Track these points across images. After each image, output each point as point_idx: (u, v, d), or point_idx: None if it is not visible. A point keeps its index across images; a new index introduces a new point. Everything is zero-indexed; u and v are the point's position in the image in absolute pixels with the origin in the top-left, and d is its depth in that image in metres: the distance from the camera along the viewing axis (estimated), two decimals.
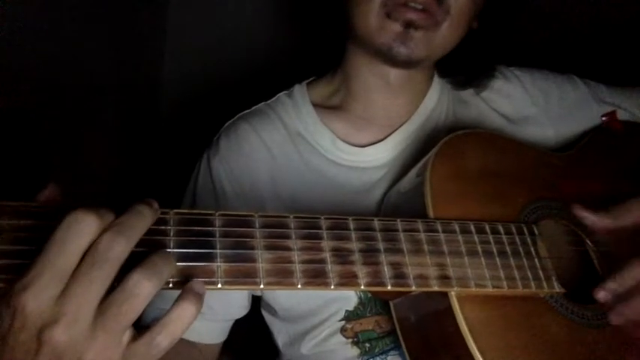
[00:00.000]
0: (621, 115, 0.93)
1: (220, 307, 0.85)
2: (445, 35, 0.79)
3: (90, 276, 0.42)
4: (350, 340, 0.81)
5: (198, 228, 0.51)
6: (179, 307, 0.46)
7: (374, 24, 0.78)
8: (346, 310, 0.81)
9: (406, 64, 0.80)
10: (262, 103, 0.94)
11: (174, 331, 0.46)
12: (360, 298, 0.81)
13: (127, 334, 0.45)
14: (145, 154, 1.35)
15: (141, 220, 0.45)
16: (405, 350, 0.71)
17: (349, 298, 0.81)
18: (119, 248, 0.43)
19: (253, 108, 0.94)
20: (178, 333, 0.46)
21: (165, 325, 0.46)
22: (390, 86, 0.87)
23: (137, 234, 0.45)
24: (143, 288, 0.43)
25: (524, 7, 0.94)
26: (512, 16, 0.90)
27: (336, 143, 0.87)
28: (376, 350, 0.80)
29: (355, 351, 0.81)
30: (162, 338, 0.45)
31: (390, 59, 0.80)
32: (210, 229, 0.51)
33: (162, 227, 0.49)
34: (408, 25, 0.76)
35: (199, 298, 0.47)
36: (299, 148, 0.88)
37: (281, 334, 0.89)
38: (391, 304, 0.72)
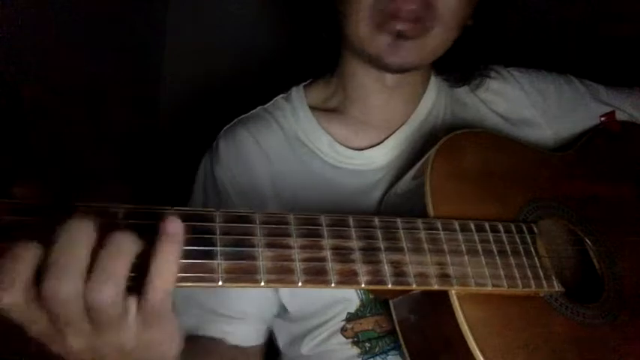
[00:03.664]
0: (619, 116, 0.93)
1: (255, 310, 0.84)
2: (436, 40, 0.79)
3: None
4: (350, 340, 0.81)
5: (199, 224, 0.51)
6: (158, 258, 0.45)
7: (365, 34, 0.78)
8: (348, 312, 0.81)
9: (399, 71, 0.81)
10: (260, 107, 0.94)
11: (162, 285, 0.46)
12: (361, 300, 0.81)
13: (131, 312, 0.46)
14: (145, 155, 1.35)
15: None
16: (404, 349, 0.71)
17: (351, 300, 0.81)
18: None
19: (251, 112, 0.93)
20: (169, 283, 0.46)
21: (152, 282, 0.45)
22: (387, 89, 0.87)
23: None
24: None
25: (518, 3, 0.94)
26: (506, 12, 0.90)
27: (334, 146, 0.87)
28: (376, 350, 0.80)
29: (355, 351, 0.81)
30: (154, 295, 0.45)
31: (383, 67, 0.80)
32: (211, 226, 0.51)
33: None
34: (398, 35, 0.76)
35: (175, 239, 0.46)
36: (297, 151, 0.88)
37: (281, 333, 0.89)
38: (391, 303, 0.72)
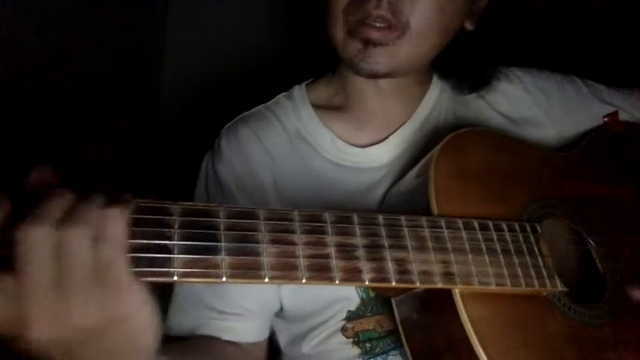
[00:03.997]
0: (623, 117, 0.93)
1: (256, 307, 0.84)
2: (409, 48, 0.78)
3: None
4: (350, 339, 0.81)
5: (203, 220, 0.51)
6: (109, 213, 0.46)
7: (339, 39, 0.80)
8: (348, 311, 0.81)
9: (373, 77, 0.81)
10: (261, 105, 0.94)
11: (112, 236, 0.46)
12: (362, 298, 0.80)
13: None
14: (146, 154, 1.34)
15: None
16: (406, 348, 0.71)
17: (351, 298, 0.80)
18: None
19: (252, 110, 0.93)
20: (119, 236, 0.46)
21: (103, 234, 0.46)
22: (382, 91, 0.87)
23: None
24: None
25: (524, 12, 0.94)
26: (512, 19, 0.90)
27: (337, 143, 0.87)
28: (377, 350, 0.80)
29: (356, 351, 0.81)
30: (105, 249, 0.45)
31: (356, 72, 0.81)
32: (215, 222, 0.51)
33: (167, 218, 0.49)
34: (366, 42, 0.77)
35: (127, 202, 0.48)
36: (299, 149, 0.88)
37: (282, 333, 0.89)
38: (393, 301, 0.72)
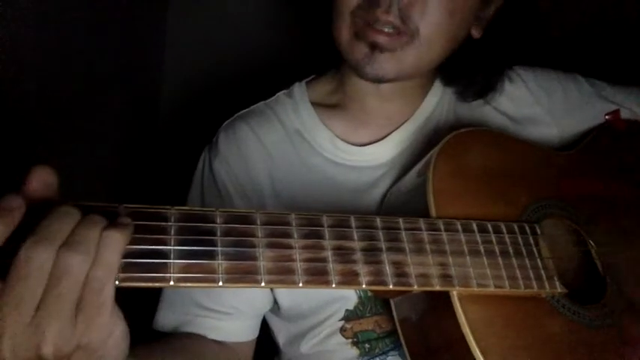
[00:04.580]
0: (624, 114, 0.92)
1: (246, 307, 0.84)
2: (416, 55, 0.77)
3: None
4: (349, 340, 0.81)
5: (199, 225, 0.51)
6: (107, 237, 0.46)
7: (345, 41, 0.79)
8: (346, 310, 0.81)
9: (378, 81, 0.80)
10: (261, 102, 0.94)
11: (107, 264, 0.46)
12: (360, 297, 0.80)
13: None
14: (145, 154, 1.35)
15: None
16: (405, 349, 0.71)
17: (349, 297, 0.80)
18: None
19: (252, 107, 0.93)
20: (113, 264, 0.46)
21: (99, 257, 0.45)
22: (383, 93, 0.86)
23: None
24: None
25: (531, 21, 0.93)
26: (519, 27, 0.89)
27: (335, 142, 0.86)
28: (376, 351, 0.80)
29: (355, 351, 0.81)
30: (99, 271, 0.45)
31: (361, 76, 0.80)
32: (211, 226, 0.51)
33: (163, 224, 0.49)
34: (373, 46, 0.76)
35: (127, 226, 0.47)
36: (297, 147, 0.87)
37: (281, 332, 0.89)
38: (392, 302, 0.72)
